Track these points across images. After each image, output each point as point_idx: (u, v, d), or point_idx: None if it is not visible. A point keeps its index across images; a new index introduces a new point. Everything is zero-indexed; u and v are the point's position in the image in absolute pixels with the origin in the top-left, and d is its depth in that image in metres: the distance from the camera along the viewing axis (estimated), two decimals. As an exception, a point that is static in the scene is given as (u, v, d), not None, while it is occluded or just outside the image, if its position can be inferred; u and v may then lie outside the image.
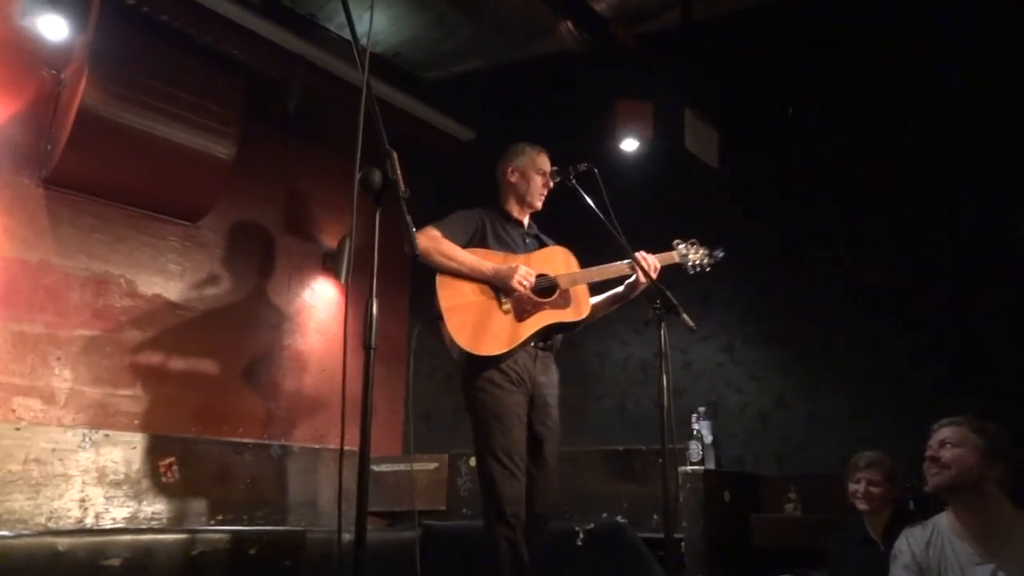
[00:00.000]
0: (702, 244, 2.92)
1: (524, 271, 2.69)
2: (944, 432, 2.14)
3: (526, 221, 2.99)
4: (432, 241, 2.67)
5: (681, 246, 2.91)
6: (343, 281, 4.53)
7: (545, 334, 2.74)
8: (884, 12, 3.87)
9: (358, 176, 1.56)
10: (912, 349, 3.57)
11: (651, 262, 2.80)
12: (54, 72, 3.56)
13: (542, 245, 2.96)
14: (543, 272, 2.78)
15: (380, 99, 4.03)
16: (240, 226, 4.24)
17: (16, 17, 3.37)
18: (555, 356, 2.86)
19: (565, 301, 2.76)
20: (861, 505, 2.82)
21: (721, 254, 2.90)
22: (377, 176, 1.58)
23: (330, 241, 4.63)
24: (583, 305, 2.77)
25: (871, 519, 2.85)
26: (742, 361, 4.04)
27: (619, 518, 3.49)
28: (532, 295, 2.72)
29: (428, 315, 2.70)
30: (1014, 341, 3.32)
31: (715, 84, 4.21)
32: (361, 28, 1.74)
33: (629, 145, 4.02)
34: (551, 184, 2.93)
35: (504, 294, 2.69)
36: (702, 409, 3.80)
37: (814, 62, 4.05)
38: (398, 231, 1.65)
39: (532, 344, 2.71)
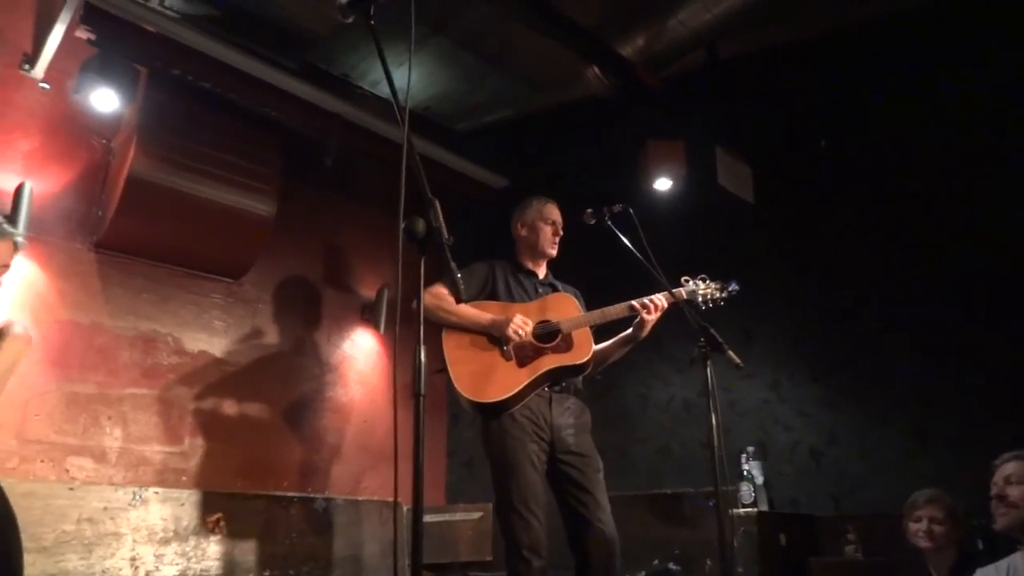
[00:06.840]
0: (712, 279, 2.85)
1: (519, 319, 2.75)
2: (1008, 468, 2.06)
3: (541, 272, 3.05)
4: (435, 298, 2.79)
5: (690, 283, 2.85)
6: (381, 331, 4.58)
7: (552, 378, 2.77)
8: (917, 42, 3.86)
9: (403, 225, 1.59)
10: (965, 380, 3.45)
11: (657, 302, 2.80)
12: (104, 141, 3.72)
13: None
14: (546, 319, 2.83)
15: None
16: (280, 281, 4.33)
17: (70, 92, 3.54)
18: (580, 395, 2.88)
19: (567, 345, 2.79)
20: (924, 543, 2.72)
21: (735, 287, 2.81)
22: (421, 225, 1.61)
23: (368, 292, 4.69)
24: (585, 348, 2.78)
25: (935, 560, 2.73)
26: (789, 398, 3.95)
27: (671, 565, 3.40)
28: (533, 341, 2.77)
29: (436, 367, 2.75)
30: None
31: (745, 120, 4.22)
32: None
33: (663, 184, 4.03)
34: (560, 232, 3.00)
35: (504, 343, 2.75)
36: (751, 449, 3.70)
37: (845, 95, 4.05)
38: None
39: (546, 388, 2.76)
